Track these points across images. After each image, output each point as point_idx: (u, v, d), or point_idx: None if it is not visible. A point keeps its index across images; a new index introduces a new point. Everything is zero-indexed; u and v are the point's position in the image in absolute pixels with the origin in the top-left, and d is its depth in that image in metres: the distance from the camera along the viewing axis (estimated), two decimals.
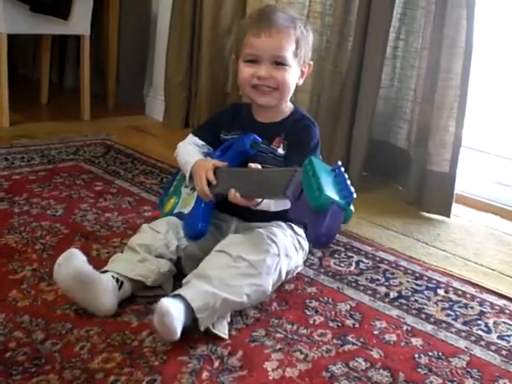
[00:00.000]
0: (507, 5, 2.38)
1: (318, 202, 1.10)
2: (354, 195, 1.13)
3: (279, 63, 1.54)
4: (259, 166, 1.43)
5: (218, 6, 2.93)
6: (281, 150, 1.59)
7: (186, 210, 1.61)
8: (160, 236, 1.53)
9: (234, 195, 1.42)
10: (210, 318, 1.33)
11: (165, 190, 1.82)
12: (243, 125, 1.65)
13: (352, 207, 1.13)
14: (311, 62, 1.65)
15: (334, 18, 2.47)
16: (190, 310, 1.30)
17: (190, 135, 1.74)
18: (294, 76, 1.58)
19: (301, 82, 1.63)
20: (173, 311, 1.26)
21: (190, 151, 1.69)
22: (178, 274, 1.53)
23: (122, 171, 2.40)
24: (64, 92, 3.79)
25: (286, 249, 1.52)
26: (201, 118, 3.06)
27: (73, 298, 1.38)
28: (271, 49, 1.53)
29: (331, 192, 1.11)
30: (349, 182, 1.15)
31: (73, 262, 1.35)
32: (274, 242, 1.48)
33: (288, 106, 1.65)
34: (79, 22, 2.99)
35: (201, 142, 1.71)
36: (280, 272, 1.49)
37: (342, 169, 1.17)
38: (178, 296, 1.31)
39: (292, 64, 1.56)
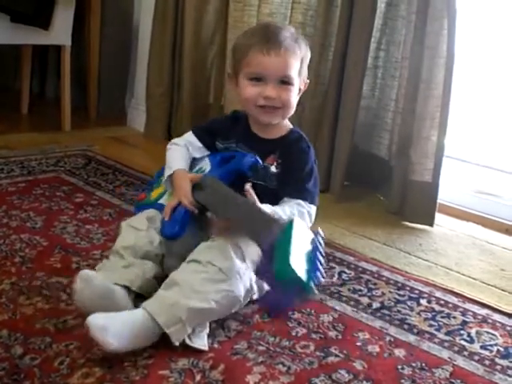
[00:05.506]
0: (488, 15, 2.40)
1: (282, 274, 1.13)
2: (321, 279, 1.14)
3: (285, 82, 1.55)
4: (254, 197, 1.45)
5: (200, 17, 2.93)
6: (273, 169, 1.60)
7: None
8: (142, 233, 1.52)
9: (219, 230, 1.47)
10: (181, 332, 1.31)
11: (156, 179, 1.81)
12: (240, 136, 1.66)
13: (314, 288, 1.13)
14: (308, 80, 1.66)
15: (316, 29, 2.47)
16: (157, 323, 1.29)
17: (190, 133, 1.74)
18: (296, 94, 1.60)
19: (297, 99, 1.63)
20: (96, 322, 1.22)
21: (176, 156, 1.69)
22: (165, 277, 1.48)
23: (103, 182, 2.38)
24: (45, 102, 3.74)
25: (252, 254, 1.48)
26: (183, 129, 3.04)
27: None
28: (280, 68, 1.53)
29: (296, 268, 1.12)
30: (322, 259, 1.13)
31: (92, 283, 1.33)
32: (239, 247, 1.46)
33: (286, 124, 1.66)
34: (60, 32, 2.97)
35: (198, 144, 1.71)
36: (250, 280, 1.47)
37: (321, 240, 1.15)
38: (144, 309, 1.30)
39: (296, 83, 1.57)
